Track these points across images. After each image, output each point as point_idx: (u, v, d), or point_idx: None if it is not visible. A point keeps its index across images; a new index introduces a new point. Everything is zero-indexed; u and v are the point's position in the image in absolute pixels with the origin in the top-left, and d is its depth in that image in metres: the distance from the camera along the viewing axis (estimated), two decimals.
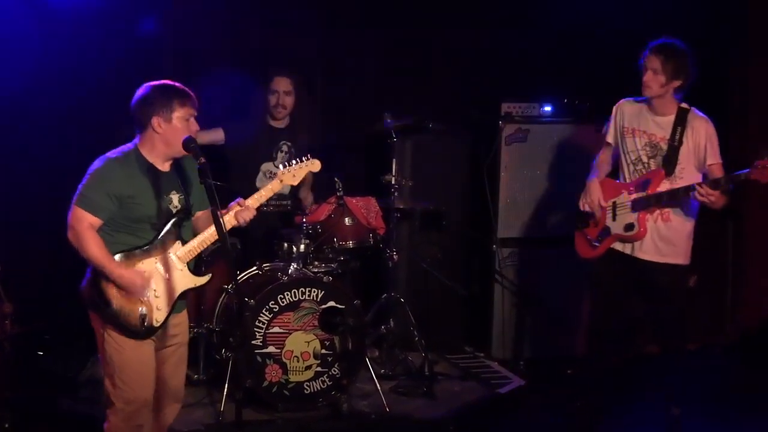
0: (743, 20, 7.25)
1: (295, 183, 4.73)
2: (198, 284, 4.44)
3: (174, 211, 4.36)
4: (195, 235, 4.45)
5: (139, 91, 4.33)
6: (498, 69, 7.18)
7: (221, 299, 5.77)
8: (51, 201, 5.83)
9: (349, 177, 6.09)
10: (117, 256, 4.27)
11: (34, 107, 6.28)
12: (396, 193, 6.22)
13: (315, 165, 4.72)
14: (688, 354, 5.56)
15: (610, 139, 5.43)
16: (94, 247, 4.23)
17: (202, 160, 4.16)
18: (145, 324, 4.30)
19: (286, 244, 5.86)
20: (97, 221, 4.26)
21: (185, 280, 4.40)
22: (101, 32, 6.36)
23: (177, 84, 4.32)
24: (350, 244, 5.96)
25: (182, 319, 4.55)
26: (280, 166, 4.70)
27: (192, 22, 6.61)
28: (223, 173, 5.90)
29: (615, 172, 5.46)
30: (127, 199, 4.26)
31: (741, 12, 7.23)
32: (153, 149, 4.33)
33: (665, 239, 5.22)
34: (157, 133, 4.29)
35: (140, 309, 4.29)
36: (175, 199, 4.37)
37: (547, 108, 6.89)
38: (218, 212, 4.13)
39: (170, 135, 4.28)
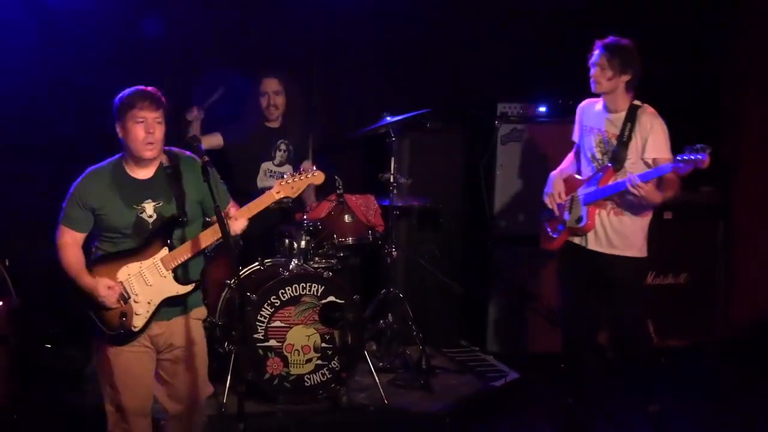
0: (735, 23, 7.24)
1: (294, 196, 4.51)
2: (181, 292, 4.34)
3: (149, 220, 4.28)
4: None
5: None
6: (495, 70, 7.18)
7: (224, 294, 5.73)
8: (57, 198, 5.81)
9: (348, 175, 6.05)
10: (99, 260, 4.27)
11: (38, 104, 6.24)
12: (394, 191, 6.20)
13: (318, 178, 4.51)
14: (649, 347, 5.54)
15: (575, 138, 5.52)
16: (68, 259, 4.27)
17: (206, 158, 4.16)
18: (124, 327, 4.26)
19: (287, 241, 5.84)
20: (77, 235, 4.29)
21: (168, 287, 4.32)
22: (94, 36, 6.32)
23: (138, 87, 4.26)
24: (350, 240, 5.94)
25: (186, 322, 4.43)
26: (282, 177, 4.51)
27: (188, 24, 6.58)
28: (225, 174, 5.76)
29: None
30: (96, 210, 4.26)
31: (734, 15, 7.22)
32: (127, 156, 4.32)
33: (618, 232, 5.25)
34: (122, 139, 4.28)
35: (120, 312, 4.25)
36: (149, 208, 4.28)
37: (542, 108, 6.91)
38: (221, 211, 4.11)
39: (126, 138, 4.24)
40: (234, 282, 5.48)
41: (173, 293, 4.32)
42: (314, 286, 5.59)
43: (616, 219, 5.25)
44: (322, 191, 6.09)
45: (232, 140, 6.21)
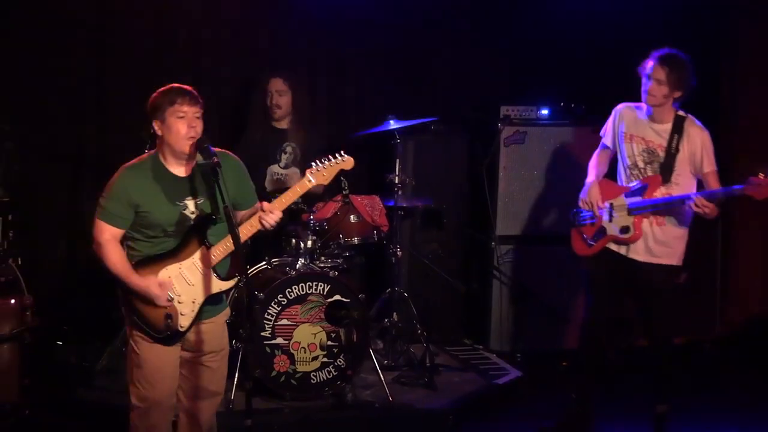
0: (735, 25, 7.21)
1: (327, 182, 4.37)
2: (224, 288, 4.31)
3: (191, 217, 4.23)
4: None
5: None
6: (497, 73, 7.18)
7: (232, 292, 5.33)
8: (68, 197, 6.20)
9: (354, 176, 5.72)
10: (138, 263, 4.22)
11: (47, 105, 6.23)
12: (399, 192, 6.17)
13: (348, 163, 4.34)
14: (676, 350, 5.52)
15: (607, 141, 5.41)
16: (112, 257, 4.19)
17: (215, 159, 4.10)
18: (170, 328, 4.22)
19: (293, 240, 5.82)
20: (117, 231, 4.22)
21: (211, 285, 4.26)
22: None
23: (174, 85, 4.23)
24: (355, 240, 5.93)
25: (214, 327, 4.38)
26: (313, 165, 4.34)
27: (192, 24, 6.55)
28: None
29: (612, 173, 5.45)
30: (137, 207, 4.20)
31: (733, 18, 7.19)
32: (164, 153, 4.25)
33: (659, 242, 5.20)
34: (160, 136, 4.22)
35: (165, 313, 4.21)
36: (191, 204, 4.24)
37: (545, 111, 6.87)
38: (230, 209, 4.06)
39: (167, 135, 4.18)
40: (242, 280, 5.14)
41: (216, 290, 4.28)
42: (320, 285, 5.57)
43: (659, 229, 5.18)
44: (328, 192, 5.99)
45: (240, 143, 6.05)
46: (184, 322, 4.25)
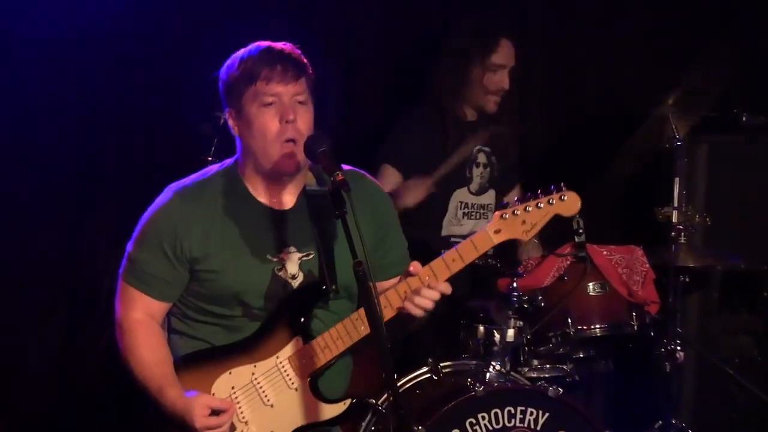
0: None
1: (528, 238, 3.91)
2: (326, 417, 3.82)
3: (293, 283, 3.82)
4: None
5: None
6: None
7: (366, 422, 5.06)
8: (67, 231, 5.74)
9: (591, 208, 4.91)
10: (184, 361, 3.82)
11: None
12: (681, 239, 5.38)
13: (569, 203, 3.86)
14: None
15: None
16: (142, 352, 3.76)
17: (339, 176, 3.50)
18: None
19: (481, 329, 5.24)
20: (156, 306, 3.79)
21: (305, 409, 3.83)
22: None
23: (262, 43, 3.80)
24: (597, 329, 5.27)
25: None
26: (506, 206, 3.92)
27: None
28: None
29: None
30: (195, 262, 3.74)
31: None
32: (246, 168, 3.84)
33: None
34: (237, 137, 3.85)
35: None
36: (292, 261, 3.80)
37: None
38: (366, 267, 3.48)
39: (248, 136, 3.76)
40: (386, 401, 4.52)
41: (313, 419, 3.82)
42: (531, 413, 4.96)
43: None
44: (543, 237, 5.08)
45: (413, 162, 5.57)
46: None
